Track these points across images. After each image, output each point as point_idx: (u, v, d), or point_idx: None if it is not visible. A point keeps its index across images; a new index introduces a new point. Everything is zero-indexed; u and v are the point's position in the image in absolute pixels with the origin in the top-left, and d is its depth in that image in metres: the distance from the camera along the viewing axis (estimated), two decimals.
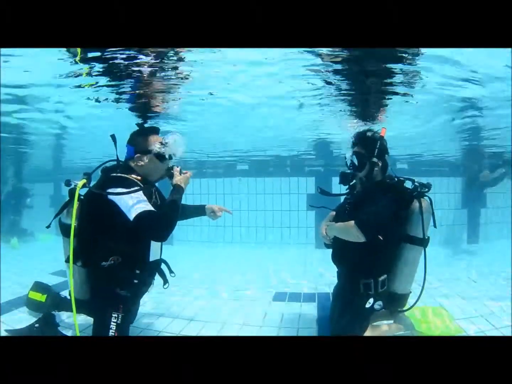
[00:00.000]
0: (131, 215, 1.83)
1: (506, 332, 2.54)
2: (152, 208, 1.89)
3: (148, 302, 3.28)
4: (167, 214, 1.94)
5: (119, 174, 2.03)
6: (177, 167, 2.15)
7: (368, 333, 2.29)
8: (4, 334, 2.45)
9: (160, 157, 2.12)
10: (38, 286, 2.63)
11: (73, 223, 1.92)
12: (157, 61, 2.39)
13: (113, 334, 1.96)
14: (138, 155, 2.10)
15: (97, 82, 2.82)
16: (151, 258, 2.16)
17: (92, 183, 2.07)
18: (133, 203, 1.85)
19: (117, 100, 3.33)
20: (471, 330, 2.63)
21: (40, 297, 2.52)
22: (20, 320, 2.75)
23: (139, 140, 2.14)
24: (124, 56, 2.28)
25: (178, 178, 2.08)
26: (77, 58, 2.34)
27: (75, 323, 1.90)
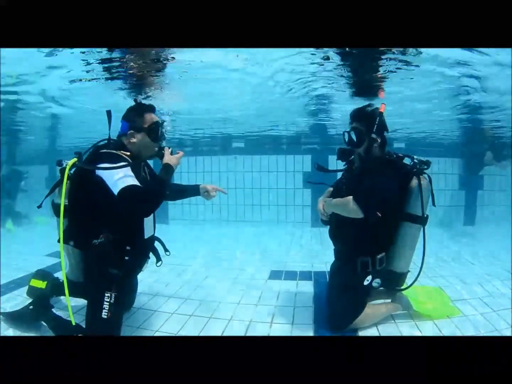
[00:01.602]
0: (116, 190, 1.79)
1: (503, 314, 2.54)
2: (138, 183, 1.84)
3: (142, 281, 3.25)
4: (151, 190, 1.91)
5: (107, 150, 1.98)
6: (169, 148, 2.09)
7: (365, 311, 2.28)
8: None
9: (153, 135, 2.08)
10: (39, 274, 2.62)
11: (63, 202, 1.91)
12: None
13: (106, 314, 1.93)
14: (131, 131, 2.06)
15: (89, 63, 2.81)
16: (144, 235, 2.13)
17: None
18: (118, 178, 1.80)
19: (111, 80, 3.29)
20: (468, 311, 2.62)
21: (41, 284, 2.52)
22: (15, 302, 2.75)
23: (134, 117, 2.09)
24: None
25: (168, 158, 2.03)
26: None
27: (68, 304, 1.87)
